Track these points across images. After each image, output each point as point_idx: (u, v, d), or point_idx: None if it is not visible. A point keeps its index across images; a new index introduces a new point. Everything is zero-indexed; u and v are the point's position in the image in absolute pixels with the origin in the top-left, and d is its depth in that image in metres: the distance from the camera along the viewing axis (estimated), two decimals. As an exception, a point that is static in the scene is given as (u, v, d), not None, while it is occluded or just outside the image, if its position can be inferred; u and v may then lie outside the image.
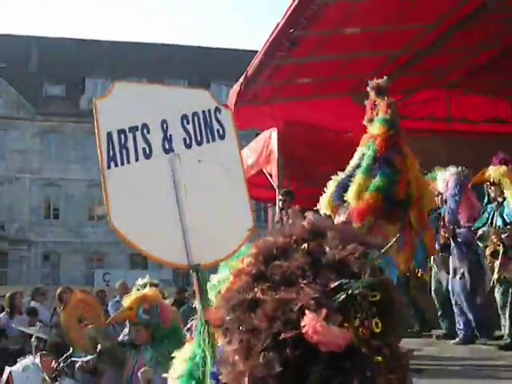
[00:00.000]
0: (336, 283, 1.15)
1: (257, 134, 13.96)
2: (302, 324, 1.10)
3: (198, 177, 3.93)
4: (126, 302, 6.28)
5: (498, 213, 7.99)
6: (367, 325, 1.12)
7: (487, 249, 7.86)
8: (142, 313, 5.95)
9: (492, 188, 8.15)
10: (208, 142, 4.09)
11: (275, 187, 11.56)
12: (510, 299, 7.80)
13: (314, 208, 7.53)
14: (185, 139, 4.00)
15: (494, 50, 10.65)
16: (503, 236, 7.67)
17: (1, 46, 49.75)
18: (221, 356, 1.25)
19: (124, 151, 3.74)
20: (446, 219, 8.69)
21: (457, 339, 8.74)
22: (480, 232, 8.06)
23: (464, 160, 9.08)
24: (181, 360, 4.08)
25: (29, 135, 49.89)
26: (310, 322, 1.09)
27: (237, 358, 1.15)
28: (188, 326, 7.50)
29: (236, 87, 10.32)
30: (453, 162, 8.96)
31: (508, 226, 7.75)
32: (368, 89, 7.37)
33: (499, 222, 7.91)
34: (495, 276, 7.75)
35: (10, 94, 49.60)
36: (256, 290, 1.19)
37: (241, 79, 10.06)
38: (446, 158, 9.73)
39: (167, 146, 3.90)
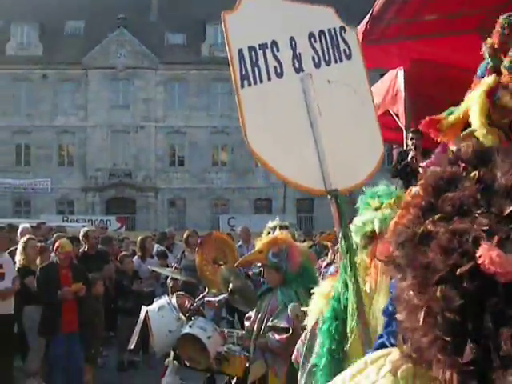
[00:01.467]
0: (511, 210, 1.09)
1: (381, 75, 13.66)
2: (478, 254, 1.05)
3: (330, 98, 3.78)
4: (258, 245, 6.34)
5: None
6: None
7: None
8: (271, 256, 5.98)
9: None
10: (336, 61, 3.93)
11: (402, 128, 11.28)
12: None
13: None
14: (313, 58, 3.84)
15: None
16: None
17: (122, -3, 50.77)
18: (394, 292, 1.22)
19: (256, 69, 3.62)
20: None
21: None
22: None
23: None
24: (320, 295, 4.07)
25: (153, 84, 50.87)
26: (486, 252, 1.04)
27: (411, 293, 1.12)
28: (317, 266, 7.56)
29: (362, 26, 10.08)
30: None
31: None
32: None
33: None
34: None
35: (133, 45, 50.58)
36: (426, 222, 1.14)
37: (366, 18, 9.80)
38: None
39: (297, 65, 3.75)
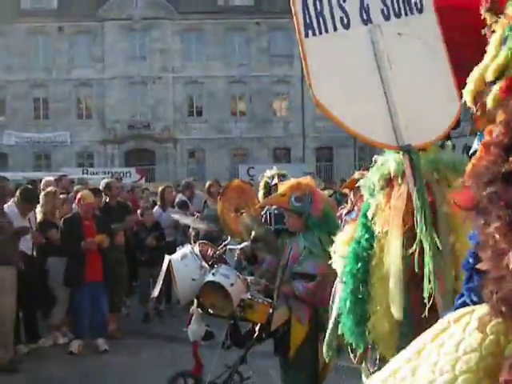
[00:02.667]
0: None
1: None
2: None
3: (400, 50, 3.66)
4: (281, 188, 6.32)
5: None
6: None
7: None
8: (294, 200, 5.95)
9: None
10: (406, 14, 3.78)
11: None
12: None
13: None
14: (382, 10, 3.71)
15: None
16: None
17: None
18: (477, 241, 1.14)
19: (321, 19, 3.51)
20: None
21: None
22: None
23: None
24: (341, 242, 4.08)
25: (169, 34, 50.51)
26: None
27: (497, 236, 1.03)
28: (338, 214, 7.56)
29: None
30: None
31: None
32: None
33: None
34: None
35: (149, -5, 50.13)
36: (511, 159, 1.05)
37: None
38: None
39: (365, 17, 3.64)
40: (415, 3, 3.83)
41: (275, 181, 8.70)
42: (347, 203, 8.52)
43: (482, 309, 1.15)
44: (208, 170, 48.11)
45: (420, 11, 3.84)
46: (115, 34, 50.11)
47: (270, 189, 8.93)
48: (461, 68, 8.21)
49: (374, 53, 3.55)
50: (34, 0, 50.22)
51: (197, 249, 7.03)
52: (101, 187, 12.14)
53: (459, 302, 2.23)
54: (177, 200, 14.05)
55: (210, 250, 7.18)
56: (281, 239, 6.72)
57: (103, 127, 50.38)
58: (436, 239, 3.25)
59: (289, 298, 6.10)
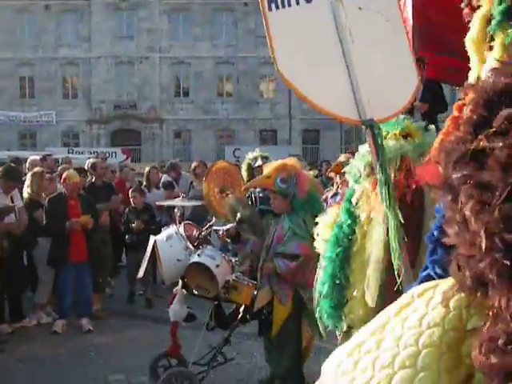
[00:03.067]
0: None
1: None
2: None
3: (361, 25, 3.67)
4: (266, 170, 6.33)
5: None
6: None
7: None
8: (279, 181, 5.97)
9: None
10: None
11: (410, 56, 11.15)
12: None
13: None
14: None
15: None
16: None
17: None
18: (443, 216, 1.17)
19: None
20: None
21: None
22: None
23: None
24: (325, 224, 4.09)
25: (157, 14, 50.23)
26: None
27: (468, 214, 1.04)
28: (323, 197, 7.58)
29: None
30: None
31: None
32: None
33: None
34: None
35: (136, -27, 49.79)
36: (479, 137, 1.06)
37: None
38: None
39: None
40: None
41: (258, 163, 8.72)
42: (333, 186, 8.55)
43: (445, 283, 1.18)
44: (194, 150, 48.05)
45: None
46: (102, 13, 49.77)
47: (252, 170, 8.94)
48: (443, 49, 8.15)
49: (336, 26, 3.56)
50: (20, -22, 49.82)
51: (182, 229, 7.04)
52: (86, 167, 12.10)
53: (423, 274, 2.25)
54: (162, 181, 14.01)
55: (195, 231, 7.19)
56: (265, 220, 6.74)
57: (89, 107, 50.15)
58: (399, 213, 3.27)
59: (271, 279, 6.14)
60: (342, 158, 7.73)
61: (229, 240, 7.23)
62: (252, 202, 8.03)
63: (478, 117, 1.10)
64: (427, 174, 1.20)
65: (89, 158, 17.44)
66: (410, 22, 11.30)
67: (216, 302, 6.80)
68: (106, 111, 49.98)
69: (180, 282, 6.85)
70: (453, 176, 1.08)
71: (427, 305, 1.16)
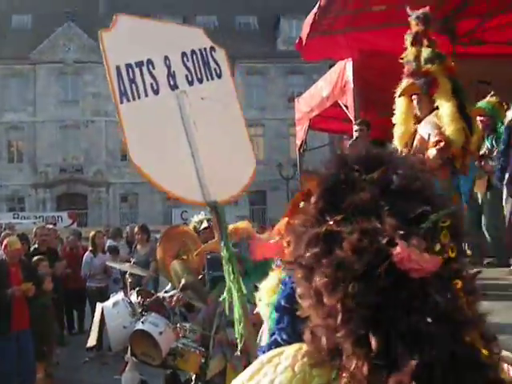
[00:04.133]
0: (419, 211, 1.16)
1: (330, 66, 13.72)
2: (395, 252, 1.11)
3: (204, 113, 4.00)
4: (217, 234, 6.31)
5: None
6: (446, 250, 1.16)
7: None
8: (230, 246, 5.95)
9: None
10: (207, 79, 4.20)
11: (351, 119, 11.34)
12: None
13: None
14: (187, 76, 4.09)
15: None
16: None
17: (71, -10, 50.19)
18: (295, 290, 1.26)
19: (134, 86, 3.80)
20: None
21: None
22: None
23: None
24: (267, 289, 4.07)
25: (101, 78, 50.37)
26: (404, 251, 1.10)
27: (323, 290, 1.15)
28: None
29: (310, 18, 10.12)
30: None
31: None
32: (416, 18, 7.20)
33: None
34: None
35: (81, 39, 50.08)
36: (329, 222, 1.18)
37: (314, 9, 9.85)
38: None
39: (172, 82, 3.98)
40: (215, 69, 4.27)
41: (204, 225, 8.71)
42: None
43: (290, 349, 1.32)
44: (141, 214, 47.89)
45: (219, 76, 4.28)
46: (47, 78, 49.83)
47: (198, 234, 8.92)
48: (384, 110, 8.38)
49: (181, 116, 3.89)
50: (-36, 42, 49.69)
51: (134, 296, 7.03)
52: (30, 233, 11.99)
53: (272, 339, 2.48)
54: (107, 245, 13.99)
55: (140, 298, 7.14)
56: (219, 286, 6.69)
57: (35, 171, 49.73)
58: (242, 287, 3.49)
59: (223, 346, 6.08)
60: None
61: (182, 309, 7.20)
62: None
63: (324, 203, 1.22)
64: (266, 250, 1.33)
65: (34, 222, 17.24)
66: (351, 85, 11.59)
67: (168, 371, 6.75)
68: (52, 175, 49.60)
69: (129, 348, 6.79)
70: (305, 255, 1.19)
71: (275, 370, 1.28)
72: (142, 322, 6.58)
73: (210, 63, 4.25)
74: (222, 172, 3.87)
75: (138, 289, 7.68)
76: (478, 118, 8.93)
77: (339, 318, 1.12)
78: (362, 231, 1.13)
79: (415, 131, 7.10)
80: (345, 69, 11.76)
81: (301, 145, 15.25)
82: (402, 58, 7.29)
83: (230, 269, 3.50)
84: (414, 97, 7.14)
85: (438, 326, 1.09)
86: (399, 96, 7.22)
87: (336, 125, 14.80)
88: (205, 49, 4.27)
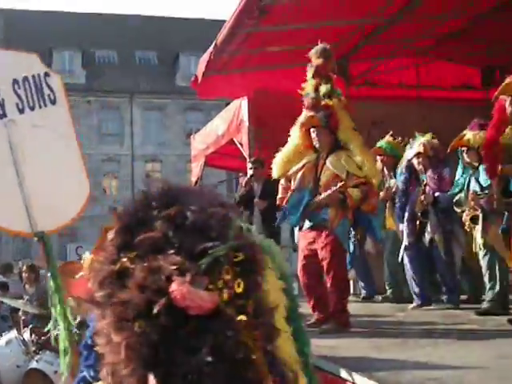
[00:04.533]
0: (201, 247, 1.16)
1: (227, 104, 13.86)
2: (171, 290, 1.11)
3: (35, 142, 3.90)
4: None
5: (474, 178, 7.91)
6: (231, 285, 1.15)
7: (464, 214, 7.83)
8: (59, 276, 5.94)
9: (469, 153, 7.99)
10: (40, 107, 4.07)
11: (246, 156, 11.50)
12: (493, 263, 7.74)
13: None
14: (17, 104, 3.94)
15: (463, 18, 10.61)
16: (481, 201, 7.60)
17: (-35, 19, 49.05)
18: (95, 327, 1.24)
19: None
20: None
21: (414, 304, 8.83)
22: (457, 198, 8.03)
23: (436, 126, 9.17)
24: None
25: None
26: (178, 288, 1.11)
27: (111, 330, 1.15)
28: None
29: (205, 56, 10.20)
30: (425, 128, 9.03)
31: (485, 191, 7.62)
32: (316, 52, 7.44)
33: (475, 187, 7.81)
34: (480, 241, 7.67)
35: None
36: (123, 260, 1.18)
37: (210, 48, 9.94)
38: (418, 124, 9.77)
39: (0, 112, 3.86)
40: (48, 95, 4.14)
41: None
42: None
43: None
44: (34, 250, 46.56)
45: (53, 103, 4.16)
46: None
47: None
48: (272, 146, 8.52)
49: (10, 146, 3.77)
50: None
51: (27, 334, 6.86)
52: None
53: (81, 376, 2.54)
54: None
55: (33, 336, 6.99)
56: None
57: None
58: (70, 318, 3.50)
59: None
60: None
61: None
62: None
63: (121, 241, 1.21)
64: (79, 289, 1.34)
65: None
66: (246, 123, 11.75)
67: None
68: None
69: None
70: (100, 294, 1.18)
71: None
72: (37, 361, 6.44)
73: (44, 89, 4.11)
74: (50, 201, 3.78)
75: (31, 326, 7.48)
76: (379, 158, 9.26)
77: (122, 355, 1.12)
78: (147, 269, 1.13)
79: (315, 165, 7.21)
80: (240, 107, 11.92)
81: (196, 182, 15.28)
82: (303, 89, 7.41)
83: (57, 300, 3.42)
84: (312, 129, 7.29)
85: (217, 365, 1.09)
86: (300, 128, 7.33)
87: (232, 162, 14.91)
88: (38, 75, 4.12)
